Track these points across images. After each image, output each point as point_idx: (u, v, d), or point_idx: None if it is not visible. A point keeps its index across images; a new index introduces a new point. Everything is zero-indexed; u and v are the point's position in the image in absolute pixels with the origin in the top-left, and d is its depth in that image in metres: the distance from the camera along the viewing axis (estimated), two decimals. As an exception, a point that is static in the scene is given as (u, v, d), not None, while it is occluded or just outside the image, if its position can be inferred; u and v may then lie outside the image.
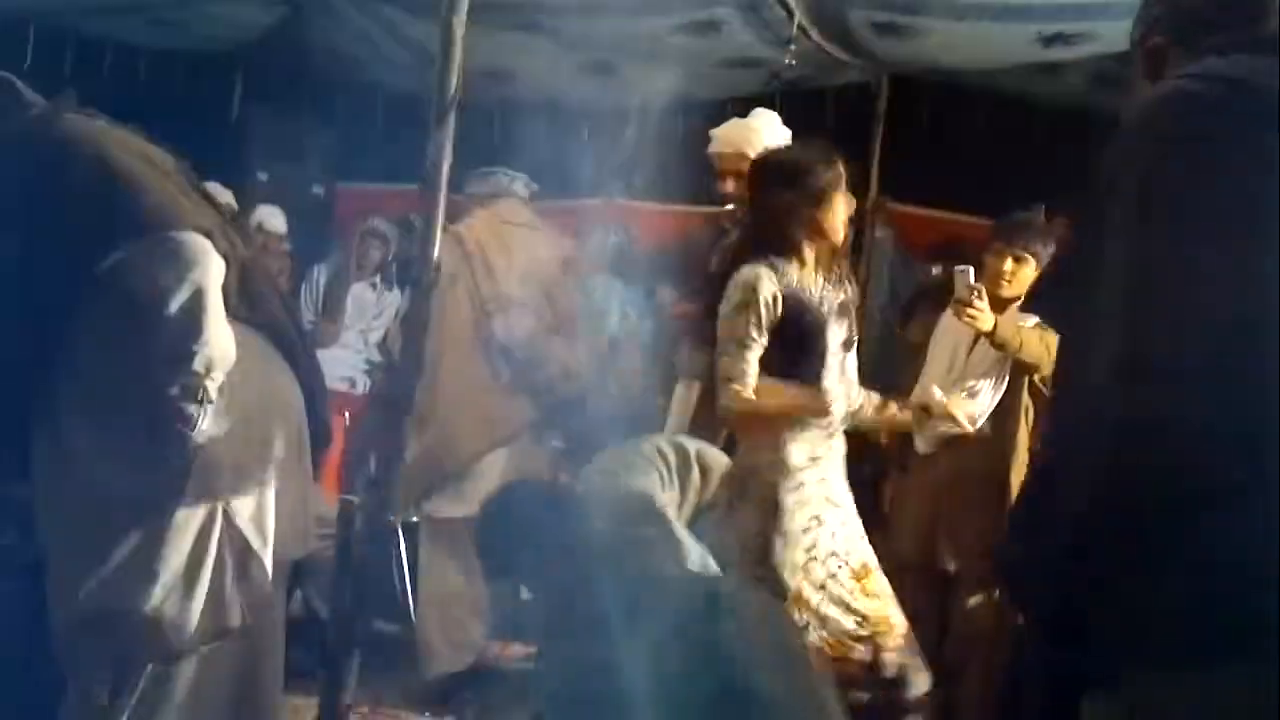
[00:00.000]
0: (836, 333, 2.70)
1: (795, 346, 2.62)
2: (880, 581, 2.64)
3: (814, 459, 2.61)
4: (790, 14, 4.31)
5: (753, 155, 3.19)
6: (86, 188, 1.84)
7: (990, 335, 3.29)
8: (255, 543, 2.02)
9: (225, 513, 1.96)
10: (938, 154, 5.34)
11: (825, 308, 2.70)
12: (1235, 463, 1.19)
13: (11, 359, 1.86)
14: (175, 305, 1.84)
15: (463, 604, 3.45)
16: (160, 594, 1.89)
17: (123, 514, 1.89)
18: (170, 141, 5.09)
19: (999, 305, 3.38)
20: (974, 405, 3.35)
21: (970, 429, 3.13)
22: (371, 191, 6.07)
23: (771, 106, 5.43)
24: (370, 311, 5.11)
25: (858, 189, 5.38)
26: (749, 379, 2.57)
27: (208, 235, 1.91)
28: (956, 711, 3.33)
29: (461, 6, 2.40)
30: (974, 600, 3.38)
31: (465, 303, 3.38)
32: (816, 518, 2.57)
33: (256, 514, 2.01)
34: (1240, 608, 1.16)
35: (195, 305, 1.86)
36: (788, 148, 3.08)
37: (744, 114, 5.46)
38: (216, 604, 1.95)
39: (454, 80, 2.28)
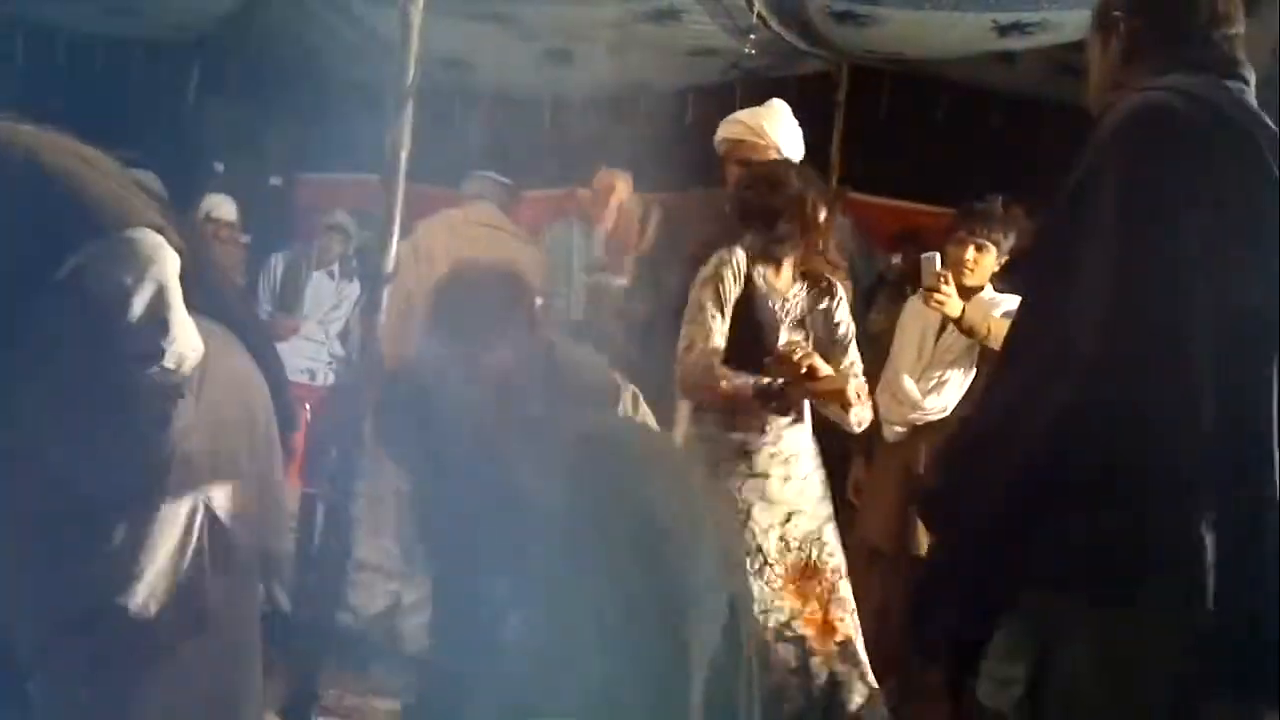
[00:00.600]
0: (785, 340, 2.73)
1: (746, 340, 2.66)
2: (820, 587, 2.61)
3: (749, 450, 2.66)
4: (750, 3, 4.32)
5: (760, 143, 3.17)
6: (26, 195, 1.80)
7: (958, 321, 3.34)
8: (236, 534, 2.01)
9: (206, 504, 1.94)
10: (897, 143, 5.37)
11: (782, 313, 2.74)
12: (1162, 447, 1.37)
13: None
14: (139, 304, 1.82)
15: None
16: (144, 590, 1.88)
17: (102, 514, 1.87)
18: (126, 132, 5.05)
19: (963, 294, 3.43)
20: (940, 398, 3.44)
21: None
22: (330, 182, 6.01)
23: (731, 95, 5.46)
24: (328, 302, 5.06)
25: (818, 179, 5.49)
26: (707, 345, 2.61)
27: (159, 230, 1.89)
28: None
29: (420, -5, 2.39)
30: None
31: (396, 296, 3.34)
32: (748, 508, 2.60)
33: (234, 503, 2.00)
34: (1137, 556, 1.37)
35: (158, 302, 1.84)
36: (799, 167, 3.04)
37: (706, 103, 5.51)
38: (198, 597, 1.93)
39: (411, 69, 2.27)
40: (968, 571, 1.52)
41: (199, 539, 1.93)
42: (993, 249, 3.49)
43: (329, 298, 5.08)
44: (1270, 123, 1.52)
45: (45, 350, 1.83)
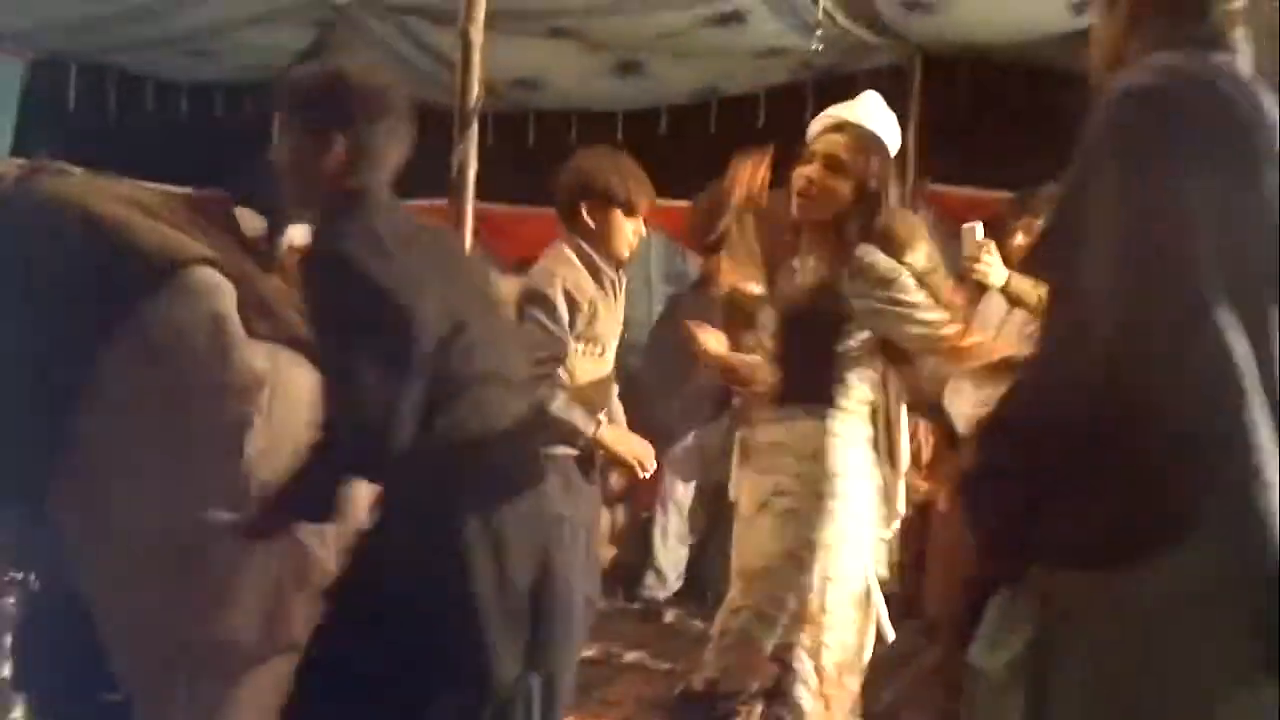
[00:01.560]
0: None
1: None
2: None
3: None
4: (815, -1, 4.28)
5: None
6: (80, 246, 1.87)
7: (1005, 290, 3.22)
8: (317, 551, 2.04)
9: (287, 530, 1.97)
10: (977, 134, 5.26)
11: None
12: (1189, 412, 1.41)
13: (31, 419, 1.88)
14: (198, 340, 1.87)
15: None
16: (239, 617, 1.91)
17: (190, 547, 1.91)
18: (211, 172, 5.21)
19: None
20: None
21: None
22: (411, 207, 6.10)
23: (802, 96, 5.41)
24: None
25: (896, 173, 5.39)
26: None
27: (211, 264, 1.94)
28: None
29: (478, 14, 2.41)
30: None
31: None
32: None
33: (315, 527, 2.03)
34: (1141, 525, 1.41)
35: (217, 336, 1.88)
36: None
37: (777, 104, 5.46)
38: (284, 617, 1.97)
39: (475, 88, 2.29)
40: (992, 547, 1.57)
41: (281, 560, 1.96)
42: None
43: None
44: (1260, 98, 1.55)
45: (117, 403, 1.88)
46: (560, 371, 2.63)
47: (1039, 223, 3.33)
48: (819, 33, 4.30)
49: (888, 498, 2.52)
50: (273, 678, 2.00)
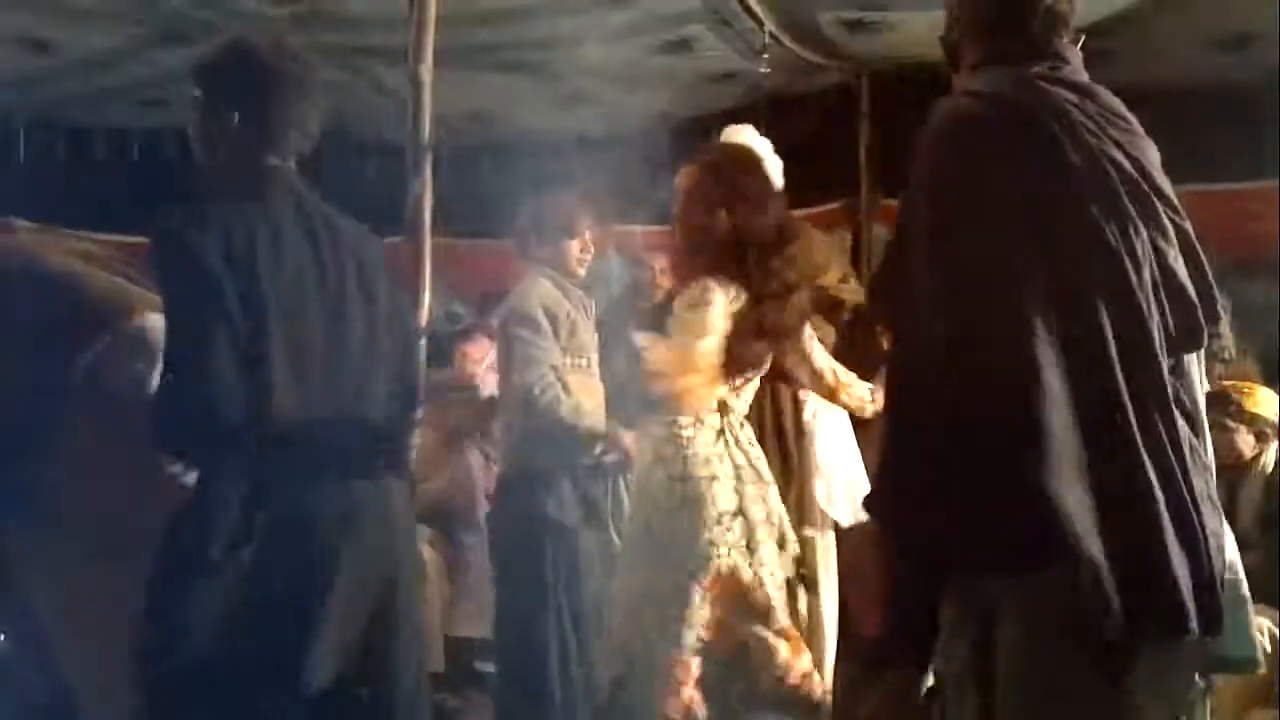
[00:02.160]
0: None
1: None
2: None
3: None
4: (760, 23, 4.33)
5: None
6: (31, 303, 1.85)
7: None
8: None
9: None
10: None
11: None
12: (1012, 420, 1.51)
13: None
14: (152, 387, 1.86)
15: None
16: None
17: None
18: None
19: None
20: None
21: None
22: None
23: (755, 118, 5.47)
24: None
25: (849, 190, 5.46)
26: None
27: (161, 311, 1.93)
28: None
29: (427, 55, 2.43)
30: None
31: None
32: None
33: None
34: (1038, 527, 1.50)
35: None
36: None
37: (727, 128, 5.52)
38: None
39: (426, 128, 2.31)
40: (912, 560, 1.66)
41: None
42: None
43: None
44: (1070, 99, 1.66)
45: (77, 446, 1.86)
46: (557, 383, 2.86)
47: None
48: (766, 55, 4.37)
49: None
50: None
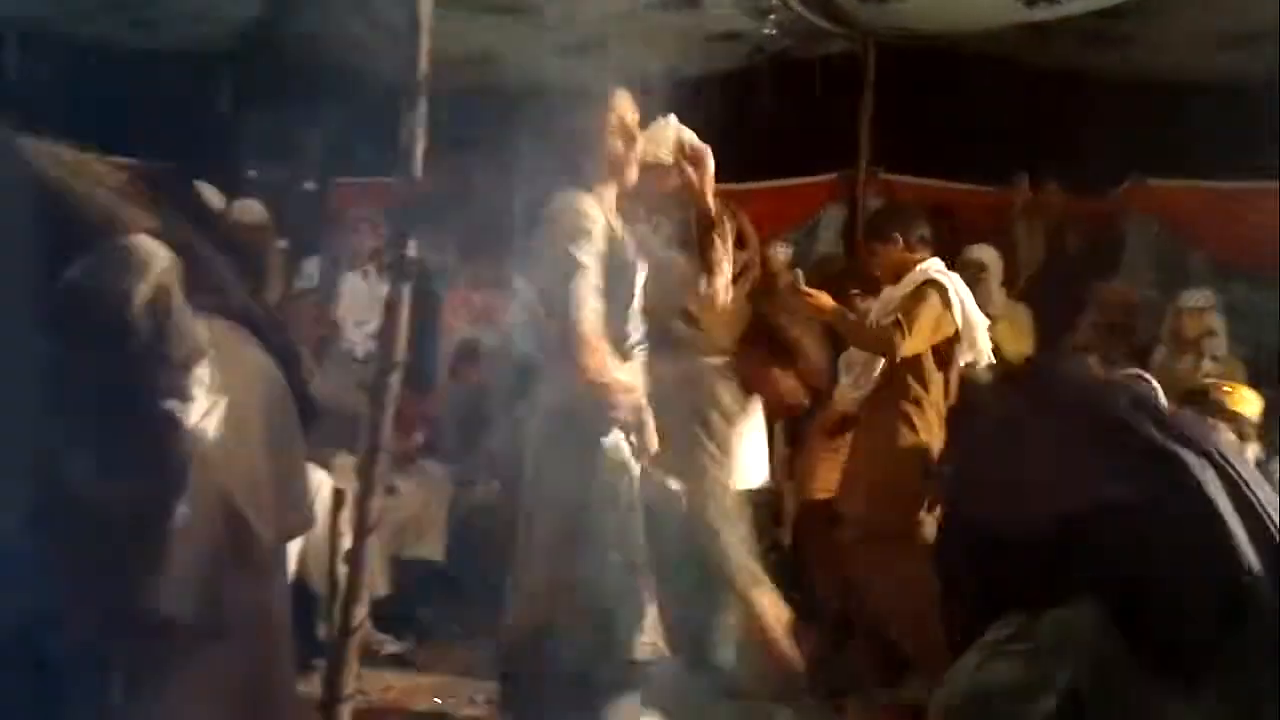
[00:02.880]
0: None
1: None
2: None
3: None
4: (769, -18, 4.29)
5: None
6: (22, 209, 1.84)
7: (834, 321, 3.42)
8: (256, 526, 2.02)
9: (224, 499, 1.96)
10: (927, 122, 5.31)
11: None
12: None
13: None
14: (138, 308, 1.85)
15: None
16: (173, 590, 1.89)
17: (129, 517, 1.89)
18: (160, 143, 5.10)
19: (873, 286, 3.74)
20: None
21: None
22: (363, 185, 6.05)
23: (758, 79, 5.43)
24: (363, 301, 5.09)
25: (847, 160, 5.43)
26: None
27: (154, 235, 1.91)
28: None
29: (427, -13, 2.38)
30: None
31: None
32: None
33: (252, 496, 2.01)
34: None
35: (158, 304, 1.86)
36: None
37: (730, 89, 5.46)
38: (220, 595, 1.95)
39: (422, 63, 2.26)
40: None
41: (218, 534, 1.95)
42: (899, 240, 3.57)
43: (364, 296, 5.10)
44: None
45: (54, 360, 1.85)
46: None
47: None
48: (772, 17, 4.32)
49: None
50: (213, 664, 2.00)
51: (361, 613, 2.28)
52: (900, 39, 5.11)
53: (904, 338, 3.30)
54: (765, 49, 4.94)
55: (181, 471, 1.88)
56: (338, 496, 2.70)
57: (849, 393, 3.65)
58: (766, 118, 5.33)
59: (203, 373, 1.93)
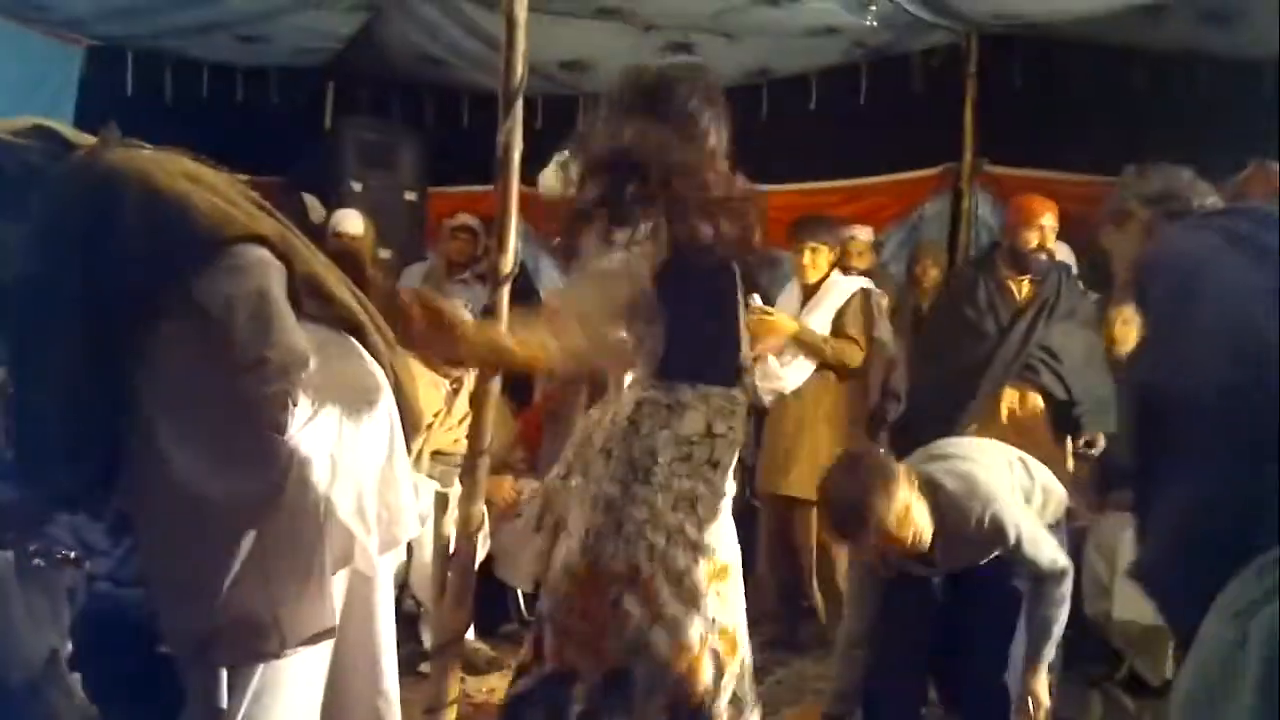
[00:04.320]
0: None
1: None
2: (728, 590, 2.20)
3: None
4: (869, -25, 4.20)
5: None
6: (136, 217, 1.87)
7: (796, 338, 4.04)
8: (360, 535, 2.03)
9: (327, 508, 1.97)
10: (1034, 112, 5.15)
11: None
12: None
13: (89, 383, 1.90)
14: (242, 315, 1.87)
15: None
16: (275, 596, 1.91)
17: (232, 520, 1.92)
18: (265, 157, 5.22)
19: (808, 291, 4.17)
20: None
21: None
22: (463, 194, 6.13)
23: (856, 75, 5.33)
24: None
25: (950, 153, 5.30)
26: None
27: (262, 242, 1.94)
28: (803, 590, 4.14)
29: (523, -8, 2.37)
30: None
31: None
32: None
33: (357, 506, 2.03)
34: None
35: (260, 312, 1.89)
36: None
37: (829, 85, 5.38)
38: (322, 601, 1.97)
39: (520, 68, 2.25)
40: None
41: (323, 543, 1.96)
42: (824, 249, 4.16)
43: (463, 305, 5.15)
44: None
45: (170, 368, 1.89)
46: None
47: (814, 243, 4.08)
48: (873, 9, 4.23)
49: None
50: (313, 665, 2.01)
51: (465, 617, 2.28)
52: (1004, 27, 4.96)
53: (860, 350, 4.08)
54: (865, 43, 4.84)
55: (281, 476, 1.90)
56: (441, 501, 2.73)
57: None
58: (867, 113, 5.24)
59: (310, 379, 1.95)
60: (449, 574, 2.26)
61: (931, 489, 2.72)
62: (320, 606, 1.95)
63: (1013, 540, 2.69)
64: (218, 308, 1.87)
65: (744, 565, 2.28)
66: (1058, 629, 2.77)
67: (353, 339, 2.12)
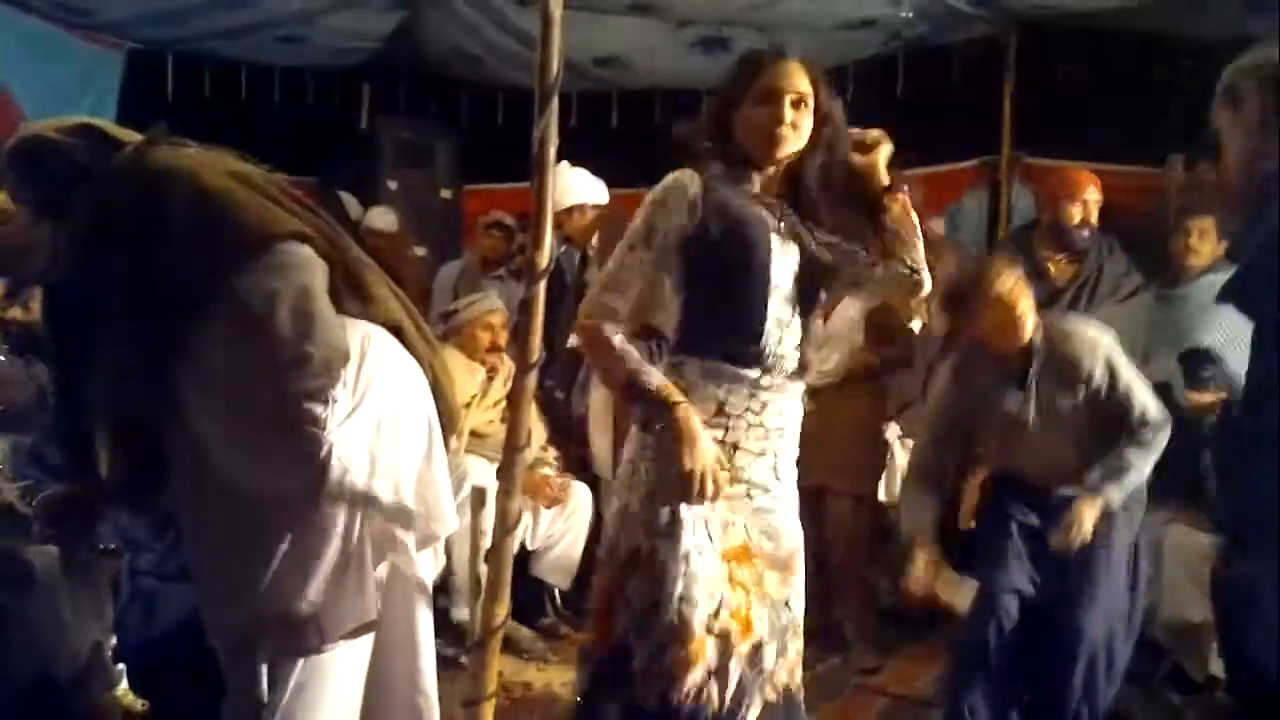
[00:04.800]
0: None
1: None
2: (750, 574, 2.13)
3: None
4: (905, -34, 4.16)
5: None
6: (183, 215, 1.90)
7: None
8: (399, 532, 2.05)
9: (367, 503, 1.99)
10: (1074, 104, 5.08)
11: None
12: None
13: (134, 380, 1.92)
14: (284, 311, 1.89)
15: None
16: (316, 591, 1.93)
17: (272, 515, 1.94)
18: (303, 157, 5.26)
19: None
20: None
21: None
22: (499, 191, 6.15)
23: (893, 68, 5.28)
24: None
25: (989, 146, 5.24)
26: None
27: (304, 240, 1.96)
28: (832, 597, 3.93)
29: (558, -12, 2.37)
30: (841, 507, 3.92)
31: None
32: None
33: (396, 502, 2.04)
34: None
35: (302, 308, 1.90)
36: None
37: (866, 77, 5.34)
38: (362, 596, 1.98)
39: (555, 65, 2.24)
40: None
41: (361, 539, 1.97)
42: None
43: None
44: None
45: (214, 364, 1.91)
46: None
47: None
48: (909, 0, 4.19)
49: None
50: (354, 660, 2.03)
51: (503, 611, 2.29)
52: (1044, 17, 4.89)
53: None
54: (901, 36, 4.79)
55: (321, 472, 1.92)
56: (479, 496, 2.74)
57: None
58: (904, 105, 5.19)
59: (350, 377, 1.96)
60: (486, 568, 2.27)
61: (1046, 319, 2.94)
62: (360, 601, 1.96)
63: (1119, 376, 2.83)
64: (260, 304, 1.89)
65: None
66: (1134, 475, 2.83)
67: (392, 337, 2.14)
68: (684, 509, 2.04)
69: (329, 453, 1.93)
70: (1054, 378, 2.89)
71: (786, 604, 2.19)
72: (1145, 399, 2.86)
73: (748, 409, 2.12)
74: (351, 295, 2.05)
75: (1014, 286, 2.86)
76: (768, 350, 2.10)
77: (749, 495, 2.15)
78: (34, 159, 1.99)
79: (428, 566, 2.27)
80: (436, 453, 2.18)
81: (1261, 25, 4.64)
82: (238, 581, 1.93)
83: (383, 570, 2.07)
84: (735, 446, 2.12)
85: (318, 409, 1.92)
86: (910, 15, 4.24)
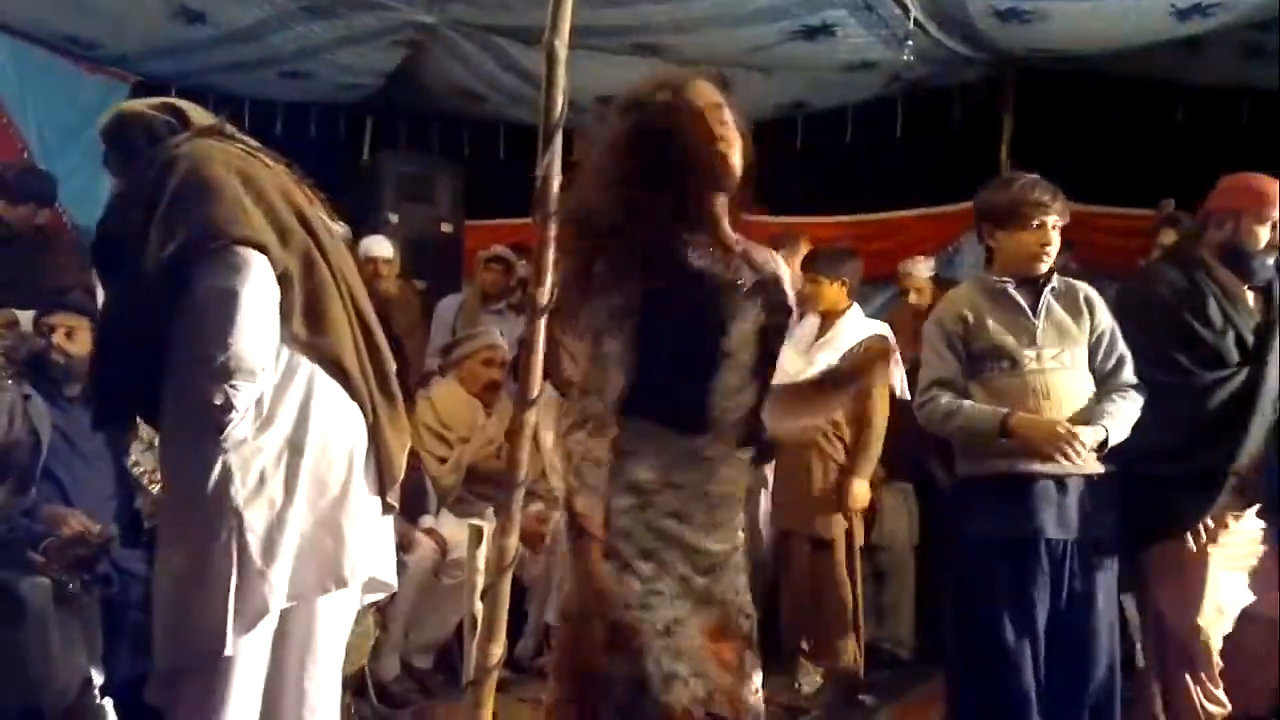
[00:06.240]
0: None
1: None
2: (734, 652, 1.95)
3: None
4: (906, 9, 4.19)
5: None
6: (174, 192, 1.99)
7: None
8: (259, 561, 1.98)
9: (239, 523, 1.97)
10: (1072, 147, 5.11)
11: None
12: None
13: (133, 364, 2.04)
14: (211, 308, 1.94)
15: None
16: (177, 607, 1.99)
17: (172, 523, 2.06)
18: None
19: (826, 321, 3.87)
20: None
21: None
22: (500, 226, 6.17)
23: (893, 110, 5.33)
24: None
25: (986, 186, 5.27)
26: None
27: (261, 250, 1.97)
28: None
29: (563, 28, 2.37)
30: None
31: None
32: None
33: (269, 534, 2.00)
34: None
35: (229, 313, 1.92)
36: None
37: (866, 119, 5.37)
38: (217, 617, 1.95)
39: (559, 102, 2.25)
40: None
41: (223, 557, 1.96)
42: (824, 280, 3.84)
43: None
44: None
45: (179, 340, 2.00)
46: None
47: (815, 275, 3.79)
48: (909, 44, 4.23)
49: None
50: (254, 679, 2.03)
51: (499, 651, 2.26)
52: (1043, 61, 4.94)
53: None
54: (901, 78, 4.83)
55: (206, 474, 1.96)
56: (475, 534, 2.72)
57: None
58: (903, 146, 5.23)
59: (263, 396, 1.99)
60: (482, 607, 2.25)
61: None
62: (208, 625, 1.94)
63: (1118, 340, 2.67)
64: (198, 295, 1.95)
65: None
66: (1123, 422, 2.59)
67: (331, 376, 2.10)
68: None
69: (217, 459, 1.95)
70: (1064, 305, 2.70)
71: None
72: (1131, 362, 2.69)
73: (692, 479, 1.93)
74: (304, 318, 2.05)
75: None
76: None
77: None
78: (121, 127, 2.16)
79: (339, 610, 2.21)
80: (355, 496, 2.12)
81: (1257, 73, 4.70)
82: (160, 590, 2.03)
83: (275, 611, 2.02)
84: (680, 518, 1.93)
85: (220, 413, 1.94)
86: (911, 58, 4.27)
